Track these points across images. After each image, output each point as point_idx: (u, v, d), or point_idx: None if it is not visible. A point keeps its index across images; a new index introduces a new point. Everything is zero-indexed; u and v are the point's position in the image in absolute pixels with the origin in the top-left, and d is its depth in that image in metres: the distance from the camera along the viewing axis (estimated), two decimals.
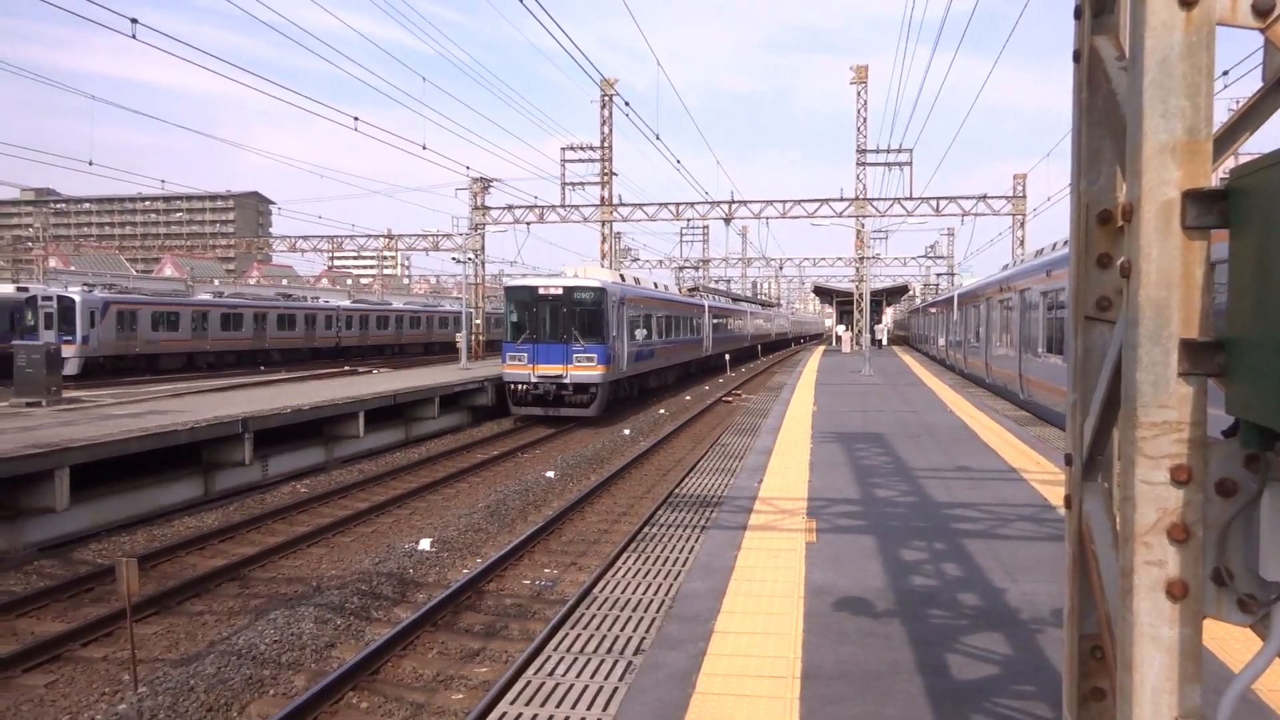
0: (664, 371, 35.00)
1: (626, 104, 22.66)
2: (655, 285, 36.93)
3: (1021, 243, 42.04)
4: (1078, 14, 2.16)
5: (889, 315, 76.66)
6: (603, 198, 46.55)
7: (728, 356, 48.44)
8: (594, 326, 25.07)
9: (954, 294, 33.12)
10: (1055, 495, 9.45)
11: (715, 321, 46.27)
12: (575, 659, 5.20)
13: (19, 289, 40.37)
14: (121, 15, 14.48)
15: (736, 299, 66.46)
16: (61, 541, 12.60)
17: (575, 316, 24.95)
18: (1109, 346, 2.21)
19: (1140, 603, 1.67)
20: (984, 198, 42.84)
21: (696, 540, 7.79)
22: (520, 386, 24.89)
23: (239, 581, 10.93)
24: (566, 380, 24.53)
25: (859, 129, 45.69)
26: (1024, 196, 42.96)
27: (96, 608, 9.91)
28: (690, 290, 47.17)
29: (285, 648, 8.46)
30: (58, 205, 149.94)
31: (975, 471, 10.98)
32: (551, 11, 14.04)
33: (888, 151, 44.64)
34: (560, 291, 25.14)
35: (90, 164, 31.16)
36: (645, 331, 30.08)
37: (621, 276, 30.60)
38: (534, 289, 25.56)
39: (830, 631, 5.40)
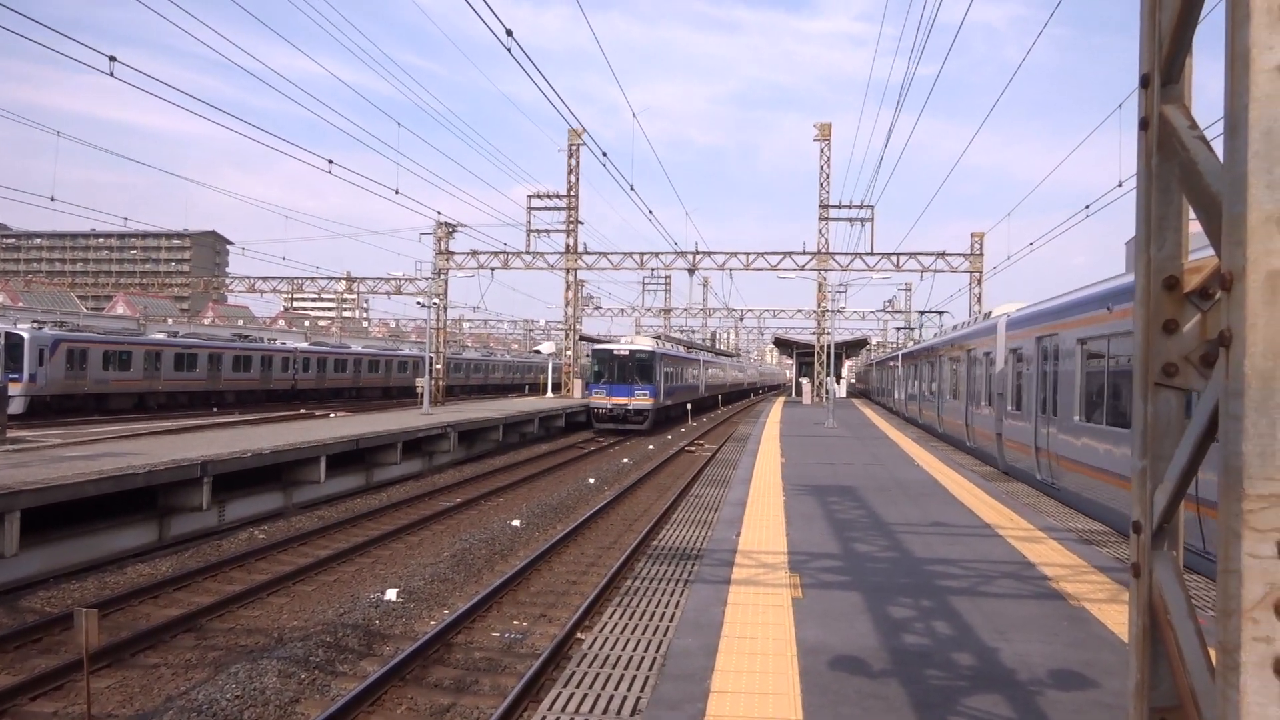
0: (680, 405, 47.71)
1: (604, 154, 22.82)
2: (673, 347, 52.03)
3: (979, 299, 42.89)
4: (1144, 83, 2.17)
5: (847, 368, 77.46)
6: (568, 245, 46.76)
7: (688, 406, 49.34)
8: (647, 374, 38.95)
9: (936, 343, 33.39)
10: (1033, 552, 9.48)
11: (708, 371, 59.91)
12: (571, 719, 5.03)
13: None
14: (100, 53, 14.33)
15: (719, 353, 77.51)
16: (9, 588, 12.07)
17: (635, 368, 38.81)
18: (1173, 413, 2.20)
19: (1248, 680, 1.62)
20: (943, 255, 43.77)
21: (681, 595, 7.65)
22: (601, 410, 38.86)
23: (196, 632, 10.52)
24: (630, 407, 38.54)
25: (822, 184, 46.59)
26: (981, 255, 43.95)
27: (46, 659, 9.47)
28: (689, 347, 60.03)
29: (248, 703, 8.14)
30: (8, 240, 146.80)
31: (951, 527, 10.99)
32: (525, 63, 14.14)
33: (850, 207, 45.50)
34: (627, 352, 39.65)
35: (52, 199, 30.58)
36: (672, 378, 43.89)
37: (657, 340, 45.51)
38: (611, 350, 40.39)
39: (829, 692, 5.30)
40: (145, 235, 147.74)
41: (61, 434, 24.63)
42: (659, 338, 52.38)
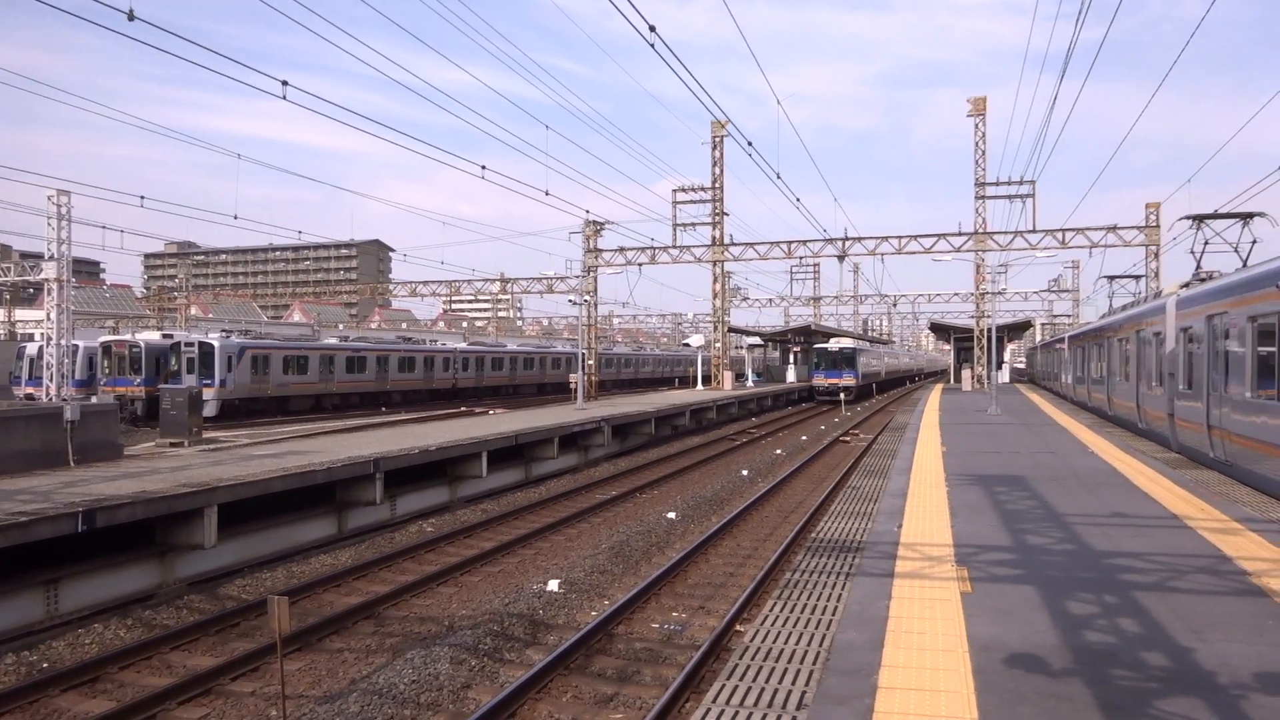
0: (871, 385, 64.72)
1: (749, 144, 22.61)
2: (868, 342, 69.85)
3: (1156, 274, 40.04)
4: None
5: (1009, 352, 73.99)
6: (714, 238, 46.67)
7: (841, 396, 48.37)
8: (850, 362, 55.02)
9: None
10: (1229, 545, 8.75)
11: (885, 359, 74.70)
12: (736, 712, 4.99)
13: (164, 336, 42.91)
14: (274, 78, 15.35)
15: (877, 341, 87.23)
16: (209, 577, 13.11)
17: (843, 358, 55.14)
18: None
19: None
20: (1114, 229, 41.13)
21: (842, 588, 7.49)
22: (821, 387, 55.18)
23: (374, 619, 11.10)
24: (840, 385, 53.87)
25: (977, 162, 44.65)
26: (1157, 226, 41.02)
27: (244, 642, 10.22)
28: (871, 341, 74.73)
29: (423, 688, 8.51)
30: (198, 256, 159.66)
31: (1134, 518, 10.29)
32: (668, 57, 14.14)
33: (1009, 184, 43.41)
34: (837, 348, 55.51)
35: (235, 218, 33.13)
36: (865, 364, 59.34)
37: (855, 339, 62.04)
38: (826, 347, 55.90)
39: (1006, 691, 5.05)
40: (316, 247, 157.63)
41: (250, 434, 26.56)
42: (856, 336, 66.60)
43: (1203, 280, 17.09)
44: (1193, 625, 6.21)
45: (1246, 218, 19.14)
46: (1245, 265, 17.26)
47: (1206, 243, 19.62)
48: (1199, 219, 19.91)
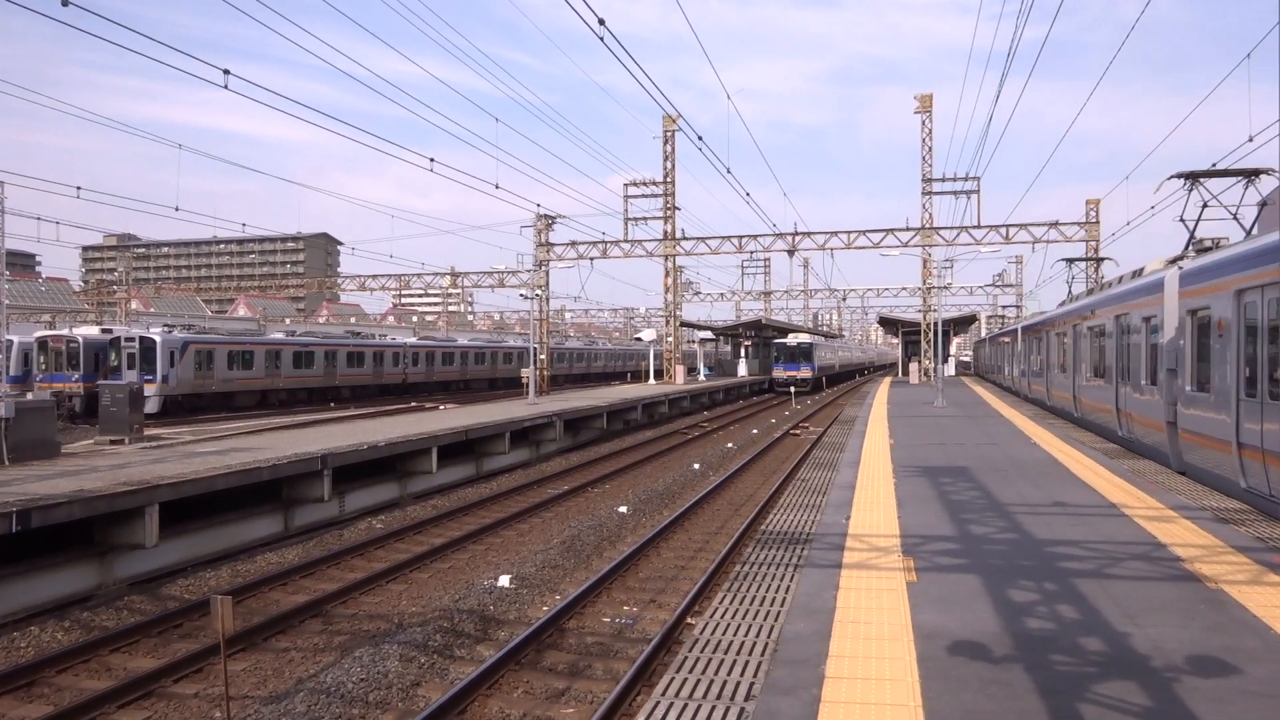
0: (823, 378, 66.43)
1: (700, 138, 22.69)
2: (822, 337, 75.76)
3: (1097, 268, 41.00)
4: None
5: (955, 345, 75.43)
6: (666, 232, 46.76)
7: (793, 390, 48.70)
8: (808, 356, 60.08)
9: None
10: (1163, 532, 9.02)
11: (839, 353, 79.74)
12: (685, 705, 5.02)
13: (103, 330, 41.80)
14: (215, 67, 15.03)
15: (837, 336, 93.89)
16: (151, 577, 12.84)
17: (801, 353, 59.98)
18: None
19: None
20: (1055, 224, 42.02)
21: (791, 579, 7.57)
22: (781, 379, 59.04)
23: (322, 618, 10.97)
24: (799, 377, 58.78)
25: (924, 158, 45.30)
26: (1097, 222, 42.00)
27: (186, 643, 10.02)
28: (827, 335, 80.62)
29: (372, 686, 8.43)
30: (139, 249, 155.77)
31: (1073, 507, 10.55)
32: (618, 51, 14.12)
33: (954, 180, 44.11)
34: (796, 343, 60.50)
35: (177, 209, 32.43)
36: (822, 357, 65.09)
37: (811, 334, 68.23)
38: (786, 342, 60.84)
39: (949, 678, 5.15)
40: (262, 240, 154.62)
41: (193, 431, 26.05)
42: (809, 331, 71.06)
43: (1202, 250, 14.12)
44: (1128, 611, 6.39)
45: (1251, 175, 16.28)
46: (1249, 234, 14.88)
47: (1205, 205, 16.70)
48: (1193, 177, 16.87)
